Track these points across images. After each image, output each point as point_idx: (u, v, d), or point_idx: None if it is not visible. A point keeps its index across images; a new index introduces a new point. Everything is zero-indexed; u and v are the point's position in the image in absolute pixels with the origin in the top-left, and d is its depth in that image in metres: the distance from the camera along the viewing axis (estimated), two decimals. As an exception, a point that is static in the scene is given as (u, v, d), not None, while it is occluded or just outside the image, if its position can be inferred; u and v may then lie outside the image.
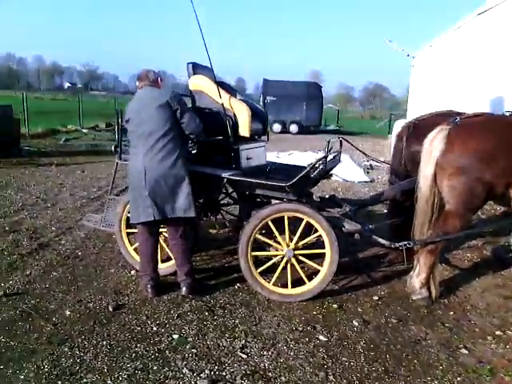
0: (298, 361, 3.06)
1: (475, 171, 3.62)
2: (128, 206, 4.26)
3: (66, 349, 3.06)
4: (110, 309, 3.62)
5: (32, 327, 3.32)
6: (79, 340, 3.18)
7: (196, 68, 4.23)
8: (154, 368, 2.90)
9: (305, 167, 3.94)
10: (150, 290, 3.88)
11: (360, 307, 3.90)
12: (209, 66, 4.02)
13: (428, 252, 3.91)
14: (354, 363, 3.07)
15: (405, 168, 4.67)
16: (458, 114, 4.75)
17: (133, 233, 4.38)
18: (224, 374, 2.89)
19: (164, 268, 4.20)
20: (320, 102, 25.88)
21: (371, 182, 9.90)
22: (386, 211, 5.12)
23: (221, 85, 4.17)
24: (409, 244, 3.91)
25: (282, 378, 2.87)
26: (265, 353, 3.14)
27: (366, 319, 3.69)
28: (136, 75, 3.95)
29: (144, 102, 3.74)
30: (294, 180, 3.73)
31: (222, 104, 3.95)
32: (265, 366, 2.99)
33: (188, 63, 4.27)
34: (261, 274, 3.94)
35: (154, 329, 3.38)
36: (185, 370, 2.89)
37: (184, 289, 3.90)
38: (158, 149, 3.64)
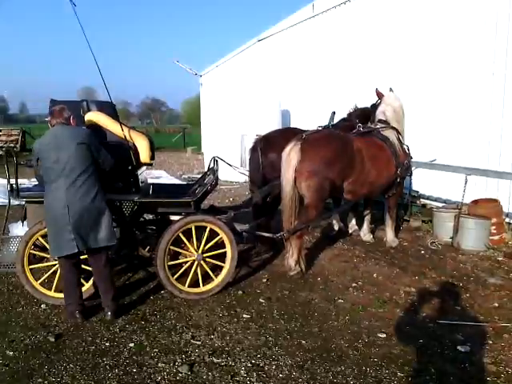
0: (240, 335, 3.90)
1: (323, 172, 5.03)
2: (31, 243, 4.35)
3: (40, 379, 3.22)
4: (52, 339, 3.77)
5: (-15, 373, 3.30)
6: (45, 370, 3.34)
7: (90, 104, 4.57)
8: (134, 370, 3.35)
9: (196, 183, 4.74)
10: (78, 316, 4.10)
11: (257, 289, 4.92)
12: (99, 99, 4.46)
13: (297, 238, 5.16)
14: (279, 326, 4.06)
15: (262, 174, 5.90)
16: (295, 128, 6.23)
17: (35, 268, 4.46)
18: (193, 358, 3.53)
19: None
20: (117, 120, 25.90)
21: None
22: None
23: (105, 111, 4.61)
24: (285, 234, 5.09)
25: (238, 349, 3.67)
26: (212, 336, 3.87)
27: (267, 296, 4.72)
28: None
29: (61, 139, 3.93)
30: (199, 195, 4.51)
31: (125, 136, 4.43)
32: (219, 344, 3.74)
33: (82, 100, 4.57)
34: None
35: (107, 344, 3.73)
36: (161, 365, 3.42)
37: (109, 313, 4.15)
38: (79, 185, 3.92)
